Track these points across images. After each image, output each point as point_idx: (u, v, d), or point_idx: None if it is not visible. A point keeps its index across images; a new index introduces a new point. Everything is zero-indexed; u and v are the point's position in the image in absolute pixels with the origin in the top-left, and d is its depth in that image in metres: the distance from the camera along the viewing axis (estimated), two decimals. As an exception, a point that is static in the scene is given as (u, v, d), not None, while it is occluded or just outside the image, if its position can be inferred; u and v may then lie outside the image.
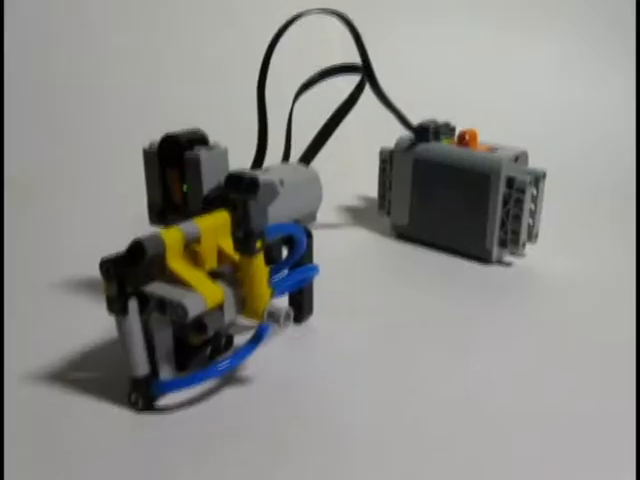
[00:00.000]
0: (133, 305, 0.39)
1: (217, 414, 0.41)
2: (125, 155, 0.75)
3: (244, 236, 0.39)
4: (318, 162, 0.63)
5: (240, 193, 0.37)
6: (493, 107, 1.01)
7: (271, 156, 0.62)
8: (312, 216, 0.57)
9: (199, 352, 0.44)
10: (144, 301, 0.39)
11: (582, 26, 1.11)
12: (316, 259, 0.51)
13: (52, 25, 0.97)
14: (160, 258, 0.39)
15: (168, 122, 0.61)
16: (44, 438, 0.39)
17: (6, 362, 0.46)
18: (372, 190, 0.73)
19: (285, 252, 0.49)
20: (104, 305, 0.39)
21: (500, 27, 1.10)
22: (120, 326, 0.39)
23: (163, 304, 0.38)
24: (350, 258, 0.67)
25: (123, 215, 0.72)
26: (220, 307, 0.40)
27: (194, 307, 0.38)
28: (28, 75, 0.94)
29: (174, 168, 0.51)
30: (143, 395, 0.41)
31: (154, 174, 0.52)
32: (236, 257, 0.41)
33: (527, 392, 0.44)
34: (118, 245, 0.40)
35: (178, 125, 0.54)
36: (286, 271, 0.48)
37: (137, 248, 0.37)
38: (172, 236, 0.39)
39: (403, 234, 0.70)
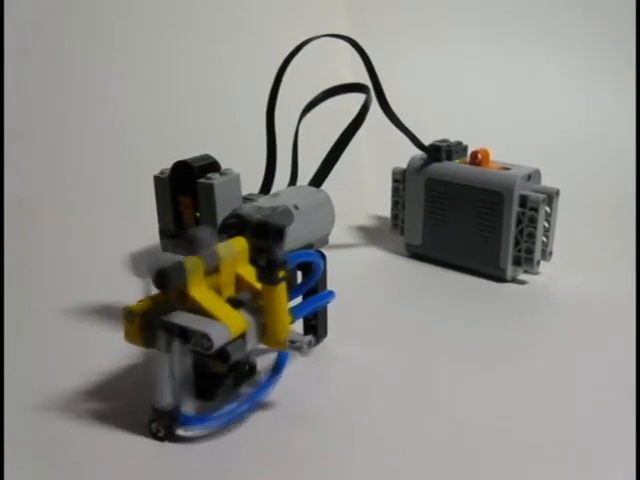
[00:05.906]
0: (161, 337, 0.38)
1: (235, 439, 0.41)
2: (134, 180, 0.75)
3: (267, 266, 0.39)
4: (330, 181, 0.63)
5: (267, 240, 0.38)
6: (505, 126, 1.01)
7: (279, 178, 0.62)
8: (324, 240, 0.56)
9: (223, 381, 0.43)
10: (167, 331, 0.38)
11: (588, 44, 1.11)
12: (330, 279, 0.51)
13: (62, 42, 0.97)
14: (182, 287, 0.38)
15: (174, 146, 0.61)
16: (60, 467, 0.39)
17: (20, 391, 0.46)
18: (385, 210, 0.73)
19: (300, 276, 0.49)
20: (118, 331, 0.38)
21: (509, 47, 1.10)
22: (148, 358, 0.39)
23: (186, 334, 0.38)
24: (364, 278, 0.67)
25: (133, 240, 0.71)
26: (242, 336, 0.40)
27: (219, 337, 0.37)
28: (34, 98, 0.95)
29: (186, 194, 0.51)
30: (164, 426, 0.40)
31: (166, 200, 0.52)
32: (256, 285, 0.41)
33: (544, 411, 0.44)
34: (129, 270, 0.40)
35: (184, 149, 0.54)
36: (301, 297, 0.48)
37: (162, 277, 0.37)
38: (193, 264, 0.39)
39: (417, 253, 0.70)
